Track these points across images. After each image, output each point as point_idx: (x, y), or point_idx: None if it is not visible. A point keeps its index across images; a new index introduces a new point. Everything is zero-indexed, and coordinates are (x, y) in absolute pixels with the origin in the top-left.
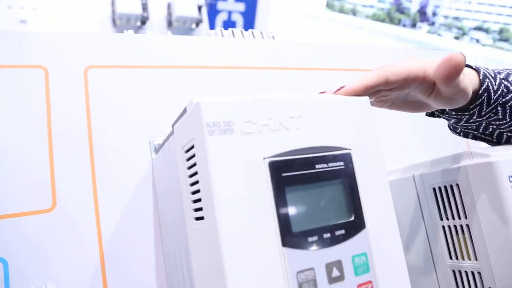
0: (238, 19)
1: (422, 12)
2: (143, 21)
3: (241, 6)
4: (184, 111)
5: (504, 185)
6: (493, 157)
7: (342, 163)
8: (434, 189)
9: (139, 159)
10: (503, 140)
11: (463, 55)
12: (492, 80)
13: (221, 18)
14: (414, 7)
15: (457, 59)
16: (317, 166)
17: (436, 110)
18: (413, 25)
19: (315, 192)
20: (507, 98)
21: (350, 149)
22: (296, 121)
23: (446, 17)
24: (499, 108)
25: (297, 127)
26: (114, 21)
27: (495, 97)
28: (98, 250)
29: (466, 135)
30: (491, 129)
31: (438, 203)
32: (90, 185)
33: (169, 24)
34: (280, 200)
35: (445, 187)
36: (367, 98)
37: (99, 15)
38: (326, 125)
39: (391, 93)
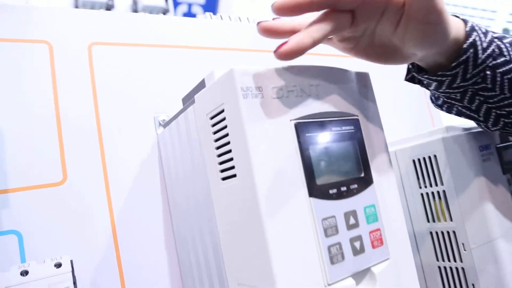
0: (199, 11)
1: None
2: (108, 9)
3: None
4: (202, 83)
5: (475, 154)
6: (466, 130)
7: (352, 127)
8: (413, 161)
9: (144, 134)
10: (491, 120)
11: None
12: (481, 35)
13: (181, 10)
14: None
15: None
16: (333, 128)
17: (415, 72)
18: None
19: (332, 151)
20: (499, 61)
21: (357, 116)
22: (315, 89)
23: None
24: (487, 72)
25: (316, 93)
26: (77, 7)
27: (483, 56)
28: (110, 222)
29: (449, 109)
30: (477, 101)
31: (417, 173)
32: (99, 159)
33: (134, 12)
34: (306, 157)
35: (424, 158)
36: (367, 73)
37: (61, 3)
38: (338, 93)
39: (355, 28)
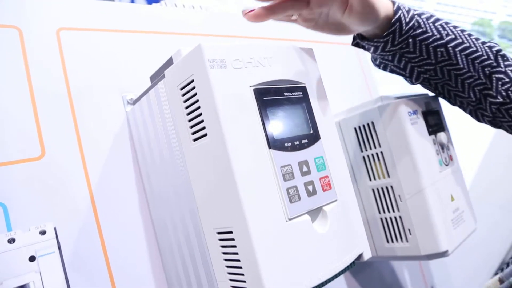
0: (140, 1)
1: None
2: None
3: None
4: (170, 60)
5: (405, 118)
6: (397, 98)
7: (300, 93)
8: (355, 128)
9: (113, 111)
10: (414, 76)
11: None
12: (405, 13)
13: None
14: None
15: None
16: (285, 94)
17: (359, 39)
18: None
19: (285, 112)
20: (417, 32)
21: (304, 84)
22: (268, 61)
23: None
24: (410, 40)
25: (270, 65)
26: None
27: (406, 28)
28: (88, 191)
29: (385, 67)
30: (404, 61)
31: (359, 139)
32: (74, 135)
33: None
34: (264, 116)
35: (363, 125)
36: (312, 49)
37: None
38: (288, 64)
39: (313, 11)
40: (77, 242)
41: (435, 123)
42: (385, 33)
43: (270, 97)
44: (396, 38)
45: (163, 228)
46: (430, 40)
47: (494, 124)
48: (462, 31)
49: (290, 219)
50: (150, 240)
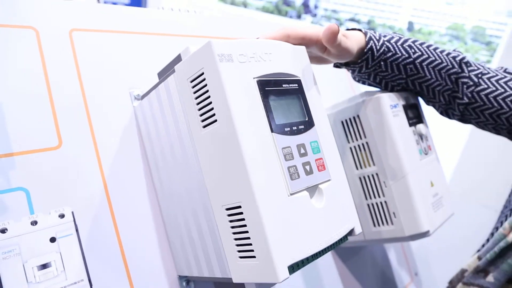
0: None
1: (305, 5)
2: None
3: None
4: (178, 57)
5: (388, 111)
6: (379, 93)
7: (296, 85)
8: (342, 122)
9: (122, 106)
10: (389, 88)
11: (337, 25)
12: (376, 42)
13: None
14: (298, 1)
15: (333, 28)
16: (283, 85)
17: (339, 63)
18: (299, 17)
19: (284, 100)
20: (388, 55)
21: (299, 77)
22: (269, 56)
23: (326, 9)
24: (382, 63)
25: (270, 60)
26: None
27: (377, 54)
28: (101, 179)
29: (363, 83)
30: (378, 78)
31: (345, 131)
32: (88, 126)
33: None
34: (267, 104)
35: (350, 119)
36: (303, 47)
37: None
38: (284, 60)
39: None
40: (92, 225)
41: (414, 116)
42: (359, 60)
43: (271, 87)
44: (369, 63)
45: (172, 211)
46: (400, 59)
47: (463, 121)
48: (429, 46)
49: (291, 194)
50: (159, 222)
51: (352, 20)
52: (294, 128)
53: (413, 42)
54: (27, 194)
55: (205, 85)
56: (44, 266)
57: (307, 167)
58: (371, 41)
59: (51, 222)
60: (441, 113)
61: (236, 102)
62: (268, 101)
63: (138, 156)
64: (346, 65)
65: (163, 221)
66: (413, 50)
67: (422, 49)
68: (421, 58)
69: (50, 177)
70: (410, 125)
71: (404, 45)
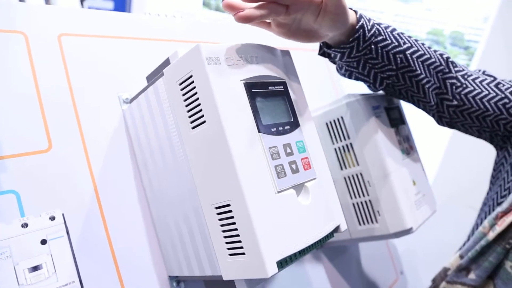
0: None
1: None
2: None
3: (110, 5)
4: (167, 61)
5: (370, 112)
6: (362, 95)
7: (282, 87)
8: (326, 124)
9: (111, 109)
10: (378, 81)
11: None
12: (367, 21)
13: None
14: None
15: None
16: (269, 87)
17: (325, 47)
18: None
19: (270, 102)
20: (378, 39)
21: (285, 79)
22: (255, 59)
23: None
24: (372, 46)
25: (256, 62)
26: None
27: (369, 35)
28: (91, 181)
29: (350, 75)
30: (367, 67)
31: (330, 133)
32: (77, 129)
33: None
34: (254, 106)
35: (334, 120)
36: (289, 50)
37: None
38: (270, 63)
39: (288, 17)
40: (83, 227)
41: (395, 117)
42: (350, 39)
43: (257, 89)
44: (360, 44)
45: (162, 212)
46: (390, 47)
47: (450, 125)
48: (416, 40)
49: (278, 192)
50: (149, 223)
51: None
52: (280, 128)
53: (401, 33)
54: (17, 196)
55: (194, 88)
56: (35, 268)
57: (293, 166)
58: (362, 19)
59: (42, 225)
60: (433, 116)
61: (224, 104)
62: (255, 102)
63: (128, 158)
64: (334, 47)
65: (153, 222)
66: (403, 40)
67: (411, 41)
68: (411, 50)
69: (40, 179)
70: (392, 126)
71: (394, 33)
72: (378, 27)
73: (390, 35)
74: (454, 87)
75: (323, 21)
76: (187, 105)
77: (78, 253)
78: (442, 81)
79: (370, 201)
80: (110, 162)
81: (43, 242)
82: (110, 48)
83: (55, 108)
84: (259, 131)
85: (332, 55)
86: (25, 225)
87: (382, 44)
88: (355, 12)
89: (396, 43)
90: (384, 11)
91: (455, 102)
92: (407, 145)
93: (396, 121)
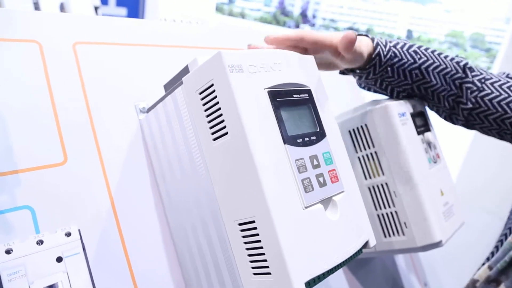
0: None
1: (303, 15)
2: None
3: (123, 11)
4: (186, 69)
5: (396, 120)
6: (387, 102)
7: (307, 95)
8: (349, 131)
9: (127, 119)
10: (394, 94)
11: (355, 33)
12: (383, 47)
13: None
14: (296, 11)
15: (350, 36)
16: (294, 95)
17: (346, 69)
18: (297, 26)
19: (295, 111)
20: (394, 61)
21: (309, 87)
22: (278, 66)
23: (324, 19)
24: (388, 68)
25: (279, 69)
26: None
27: (384, 60)
28: (108, 194)
29: (369, 89)
30: (385, 84)
31: (353, 141)
32: (93, 141)
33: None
34: (278, 115)
35: (357, 128)
36: (312, 56)
37: None
38: (294, 70)
39: (308, 53)
40: (100, 243)
41: (422, 124)
42: (367, 66)
43: (282, 98)
44: (377, 69)
45: (181, 226)
46: (406, 65)
47: (468, 126)
48: (433, 52)
49: (306, 207)
50: (167, 238)
51: (351, 29)
52: (306, 139)
53: (418, 47)
54: (32, 212)
55: (215, 97)
56: (51, 287)
57: (321, 179)
58: (379, 47)
59: (58, 241)
60: (445, 118)
61: (247, 114)
62: (280, 112)
63: (145, 170)
64: (353, 71)
65: (172, 237)
66: (418, 56)
67: (427, 55)
68: (427, 64)
69: (55, 194)
70: (418, 133)
71: (410, 51)
72: (394, 49)
73: (406, 53)
74: (469, 91)
75: (342, 61)
76: (208, 116)
77: (95, 270)
78: (458, 86)
79: (396, 212)
80: (127, 174)
81: (59, 259)
82: (126, 56)
83: (70, 119)
84: (284, 143)
85: (352, 75)
86: (40, 242)
87: (398, 64)
88: (372, 39)
89: (412, 60)
90: (400, 14)
91: (469, 105)
92: (433, 153)
93: (422, 128)
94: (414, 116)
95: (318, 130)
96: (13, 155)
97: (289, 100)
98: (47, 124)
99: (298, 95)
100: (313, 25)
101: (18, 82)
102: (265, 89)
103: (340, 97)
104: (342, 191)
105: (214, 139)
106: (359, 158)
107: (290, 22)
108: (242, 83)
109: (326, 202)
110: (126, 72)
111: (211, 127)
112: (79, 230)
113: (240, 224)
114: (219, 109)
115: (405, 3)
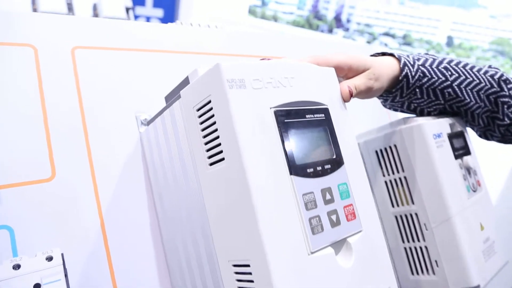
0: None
1: (337, 19)
2: None
3: (160, 12)
4: (186, 80)
5: (430, 141)
6: (420, 121)
7: (323, 115)
8: (376, 151)
9: (127, 132)
10: (424, 114)
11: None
12: (410, 67)
13: None
14: (330, 15)
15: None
16: (307, 116)
17: None
18: (330, 31)
19: (307, 135)
20: (423, 81)
21: (327, 105)
22: (290, 81)
23: (358, 23)
24: (417, 90)
25: (291, 85)
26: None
27: (413, 81)
28: (98, 215)
29: (395, 110)
30: (413, 106)
31: (380, 163)
32: (86, 156)
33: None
34: (286, 140)
35: (385, 149)
36: (333, 68)
37: (21, 5)
38: (309, 85)
39: None
40: (85, 269)
41: (460, 146)
42: (393, 89)
43: (291, 119)
44: (404, 92)
45: (175, 257)
46: (437, 84)
47: (504, 141)
48: (465, 66)
49: (312, 253)
50: (162, 269)
51: (386, 34)
52: (319, 168)
53: (449, 63)
54: (11, 233)
55: (212, 116)
56: None
57: (333, 217)
58: (406, 68)
59: (37, 266)
60: (480, 136)
61: (247, 138)
62: (288, 135)
63: (142, 190)
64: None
65: (168, 269)
66: (449, 72)
67: (459, 70)
68: (459, 80)
69: (38, 213)
70: (456, 157)
71: (440, 67)
72: (422, 68)
73: (436, 71)
74: (506, 105)
75: (359, 96)
76: (204, 136)
77: None
78: (493, 102)
79: (426, 247)
80: (121, 193)
81: (37, 286)
82: (130, 62)
83: (62, 131)
84: (291, 173)
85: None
86: (17, 267)
87: (428, 84)
88: (398, 59)
89: (443, 78)
90: (441, 19)
91: (506, 121)
92: (473, 180)
93: (461, 151)
94: (452, 137)
95: (335, 157)
96: None
97: (300, 122)
98: (36, 135)
99: (312, 116)
100: (347, 29)
101: (6, 88)
102: (271, 108)
103: (367, 112)
104: (360, 231)
105: (210, 164)
106: (386, 182)
107: (323, 26)
108: (243, 101)
109: (339, 244)
110: (129, 80)
111: (208, 150)
112: (62, 254)
113: (234, 266)
114: (216, 130)
115: (447, 8)
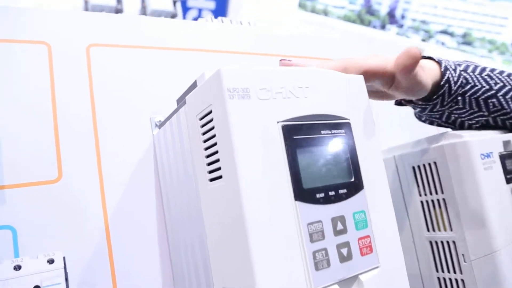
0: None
1: (391, 14)
2: (117, 13)
3: (212, 4)
4: (194, 84)
5: (476, 162)
6: (467, 137)
7: (343, 130)
8: (413, 167)
9: (140, 134)
10: (465, 128)
11: (419, 49)
12: (452, 72)
13: (191, 15)
14: (383, 10)
15: (413, 52)
16: (322, 132)
17: (403, 100)
18: (383, 27)
19: (321, 154)
20: (466, 88)
21: (349, 119)
22: (304, 91)
23: (414, 20)
24: (459, 98)
25: (305, 96)
26: (87, 11)
27: (455, 87)
28: (103, 220)
29: (431, 123)
30: (453, 118)
31: (417, 181)
32: (95, 158)
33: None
34: (292, 160)
35: (424, 165)
36: (361, 76)
37: (70, 6)
38: (329, 96)
39: None
40: (86, 274)
41: None
42: (434, 96)
43: (302, 135)
44: (446, 99)
45: (179, 269)
46: (480, 92)
47: None
48: (509, 75)
49: None
50: (167, 279)
51: (444, 32)
52: (332, 193)
53: (491, 71)
54: (13, 233)
55: (213, 128)
56: None
57: (344, 251)
58: (448, 72)
59: (38, 268)
60: None
61: (246, 157)
62: (296, 155)
63: (152, 195)
64: (411, 101)
65: (173, 278)
66: (494, 81)
67: (503, 79)
68: (504, 90)
69: (43, 215)
70: (508, 181)
71: (483, 75)
72: (465, 74)
73: (479, 78)
74: None
75: (396, 93)
76: (206, 149)
77: None
78: None
79: (462, 280)
80: (129, 199)
81: None
82: (148, 60)
83: (71, 131)
84: (295, 199)
85: (411, 106)
86: (17, 267)
87: (471, 92)
88: (439, 62)
89: (487, 87)
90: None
91: None
92: None
93: None
94: (504, 158)
95: (353, 180)
96: (1, 168)
97: (312, 138)
98: (44, 135)
99: (328, 131)
100: (401, 26)
101: (17, 86)
102: (278, 122)
103: (404, 122)
104: (376, 267)
105: (211, 180)
106: (422, 202)
107: (375, 22)
108: (245, 114)
109: (348, 282)
110: (145, 80)
111: (208, 164)
112: (63, 258)
113: None
114: (216, 144)
115: None
